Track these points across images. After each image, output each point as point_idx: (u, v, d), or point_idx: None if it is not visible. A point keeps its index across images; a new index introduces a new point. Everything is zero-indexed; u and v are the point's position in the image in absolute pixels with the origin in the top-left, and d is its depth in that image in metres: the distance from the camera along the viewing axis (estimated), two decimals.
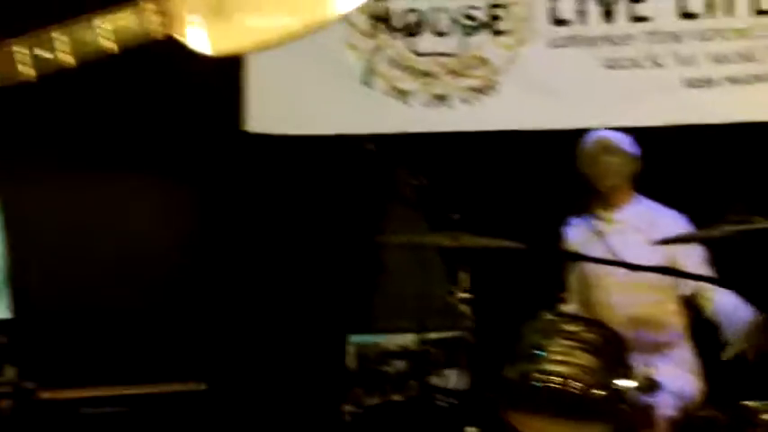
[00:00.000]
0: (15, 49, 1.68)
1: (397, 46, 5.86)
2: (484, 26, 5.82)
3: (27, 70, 1.68)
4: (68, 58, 1.67)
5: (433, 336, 5.28)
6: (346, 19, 5.78)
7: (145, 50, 1.69)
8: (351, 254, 5.79)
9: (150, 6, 1.64)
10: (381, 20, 5.74)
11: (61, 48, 1.67)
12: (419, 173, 5.21)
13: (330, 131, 5.67)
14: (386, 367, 5.55)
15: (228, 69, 5.50)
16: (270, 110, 5.70)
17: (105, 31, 1.66)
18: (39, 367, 5.02)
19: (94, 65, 1.70)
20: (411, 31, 5.83)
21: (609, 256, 4.63)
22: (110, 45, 1.66)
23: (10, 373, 5.06)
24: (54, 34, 1.67)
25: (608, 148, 4.99)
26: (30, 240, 5.19)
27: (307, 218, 5.75)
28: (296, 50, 5.40)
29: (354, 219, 5.84)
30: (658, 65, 5.61)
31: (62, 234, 5.49)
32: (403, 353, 5.52)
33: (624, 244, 4.69)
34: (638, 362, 4.27)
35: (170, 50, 1.74)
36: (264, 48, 1.63)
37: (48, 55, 1.68)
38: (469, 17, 5.82)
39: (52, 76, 1.70)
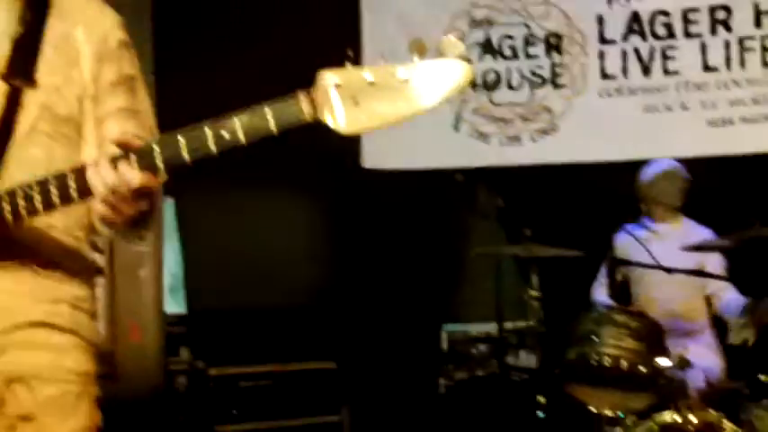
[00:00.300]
0: (206, 130, 1.80)
1: (480, 98, 5.90)
2: (547, 81, 5.89)
3: (212, 147, 1.80)
4: (242, 138, 1.79)
5: (510, 325, 5.25)
6: None
7: None
8: (446, 261, 5.85)
9: (303, 98, 1.77)
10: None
11: (238, 130, 1.79)
12: (498, 197, 5.23)
13: (429, 166, 5.76)
14: (472, 349, 5.58)
15: None
16: (381, 149, 5.78)
17: (271, 116, 1.78)
18: (208, 350, 5.22)
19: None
20: (490, 86, 5.90)
21: (651, 261, 4.64)
22: (273, 128, 1.79)
23: (185, 354, 5.27)
24: (234, 119, 1.79)
25: (668, 175, 5.04)
26: (199, 249, 5.42)
27: (413, 233, 5.80)
28: None
29: (448, 233, 5.92)
30: (686, 108, 5.62)
31: (224, 243, 5.56)
32: (485, 338, 5.54)
33: (664, 251, 4.66)
34: (673, 345, 4.29)
35: None
36: (384, 126, 1.76)
37: (227, 136, 1.80)
38: (536, 74, 5.90)
39: None
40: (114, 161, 1.82)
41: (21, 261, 2.01)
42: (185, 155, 1.80)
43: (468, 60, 1.78)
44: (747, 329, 4.21)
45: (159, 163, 1.81)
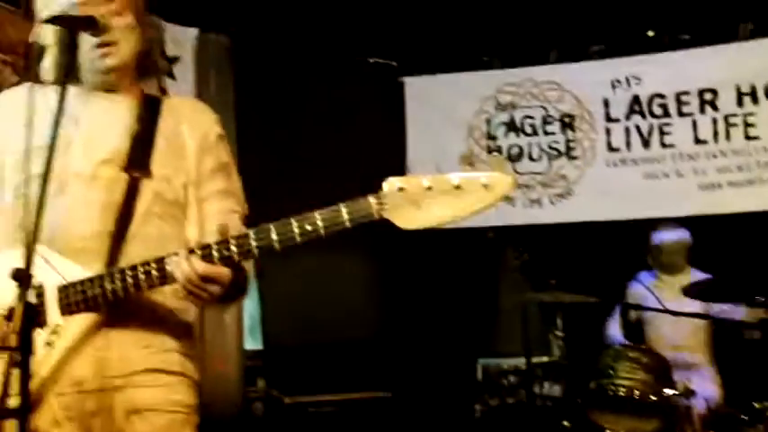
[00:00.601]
0: (293, 222, 1.82)
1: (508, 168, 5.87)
2: (563, 154, 5.88)
3: (296, 238, 1.81)
4: (321, 231, 1.80)
5: (537, 359, 5.21)
6: (473, 151, 5.95)
7: None
8: (481, 305, 5.76)
9: (373, 200, 1.77)
10: (496, 152, 5.85)
11: (319, 224, 1.80)
12: (524, 252, 5.31)
13: (464, 225, 5.68)
14: (503, 380, 5.51)
15: None
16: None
17: (346, 214, 1.79)
18: (281, 381, 5.16)
19: None
20: (514, 158, 5.88)
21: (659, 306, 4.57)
22: (348, 224, 1.79)
23: (261, 384, 5.23)
24: (316, 215, 1.80)
25: (675, 243, 4.99)
26: (274, 295, 5.39)
27: (454, 282, 5.75)
28: (443, 171, 5.58)
29: (483, 282, 5.83)
30: (681, 175, 5.58)
31: (296, 290, 5.49)
32: (515, 371, 5.48)
33: (672, 296, 4.58)
34: (678, 377, 4.25)
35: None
36: (439, 225, 1.78)
37: (309, 228, 1.81)
38: (553, 148, 5.89)
39: None
40: (189, 253, 1.85)
41: (138, 319, 2.02)
42: (276, 243, 1.83)
43: (510, 174, 1.80)
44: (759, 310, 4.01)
45: (254, 249, 1.84)
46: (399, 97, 6.03)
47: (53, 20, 1.95)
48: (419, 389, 5.48)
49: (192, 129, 2.17)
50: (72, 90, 2.05)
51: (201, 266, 1.83)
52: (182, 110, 2.21)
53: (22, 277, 1.68)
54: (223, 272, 1.86)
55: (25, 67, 4.52)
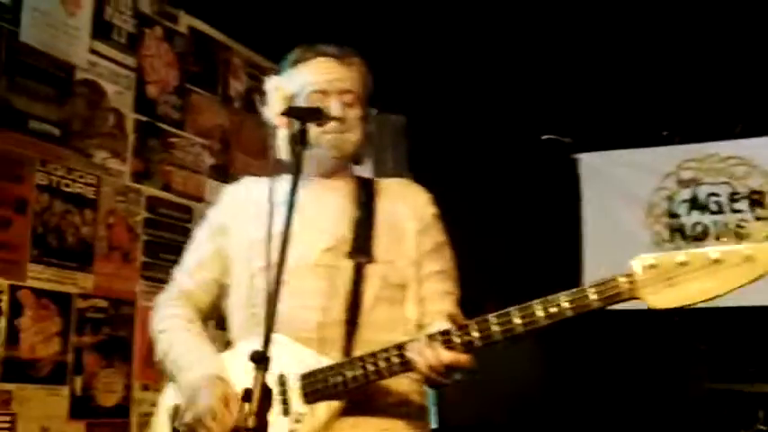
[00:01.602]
0: (537, 305, 1.81)
1: (689, 248, 5.68)
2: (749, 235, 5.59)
3: (540, 321, 1.81)
4: (567, 313, 1.79)
5: None
6: (653, 230, 5.82)
7: None
8: (664, 393, 5.50)
9: (623, 279, 1.74)
10: (678, 230, 5.74)
11: (564, 306, 1.79)
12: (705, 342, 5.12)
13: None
14: None
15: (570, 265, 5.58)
16: None
17: (595, 293, 1.76)
18: None
19: None
20: (698, 236, 5.73)
21: None
22: (596, 305, 1.76)
23: None
24: (561, 297, 1.79)
25: None
26: None
27: (632, 367, 5.56)
28: (621, 249, 5.49)
29: (665, 368, 5.57)
30: None
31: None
32: None
33: None
34: None
35: None
36: (694, 304, 1.70)
37: (554, 310, 1.79)
38: (739, 226, 5.67)
39: None
40: (430, 340, 1.88)
41: (375, 404, 2.06)
42: (520, 327, 1.83)
43: None
44: None
45: (497, 334, 1.86)
46: (574, 174, 5.99)
47: (285, 112, 2.09)
48: None
49: (409, 210, 2.23)
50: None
51: (446, 355, 1.86)
52: (396, 191, 2.29)
53: (260, 359, 1.76)
54: (465, 359, 1.88)
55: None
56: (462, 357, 1.87)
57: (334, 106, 2.17)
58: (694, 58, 5.23)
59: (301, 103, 2.20)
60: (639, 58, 5.30)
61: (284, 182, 2.20)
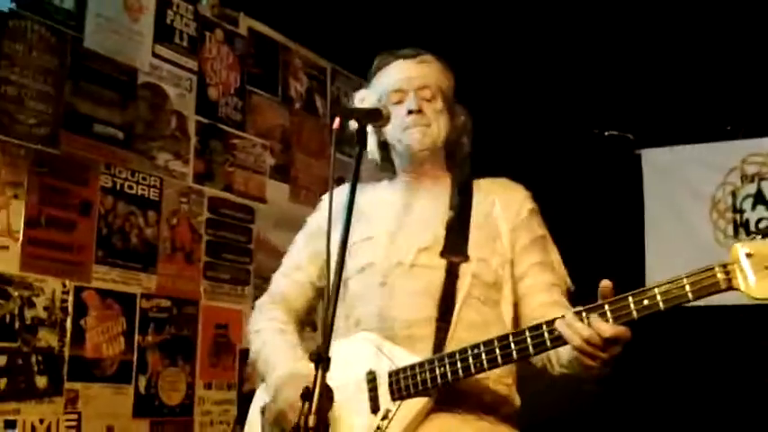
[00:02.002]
0: (630, 299, 1.76)
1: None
2: None
3: (633, 313, 1.75)
4: (661, 306, 1.72)
5: None
6: (717, 226, 5.71)
7: None
8: (736, 390, 5.38)
9: (719, 269, 1.69)
10: (743, 226, 5.62)
11: (658, 299, 1.73)
12: None
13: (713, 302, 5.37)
14: None
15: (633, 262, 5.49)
16: None
17: (688, 286, 1.70)
18: None
19: None
20: (764, 233, 5.59)
21: None
22: (691, 296, 1.69)
23: None
24: (654, 289, 1.74)
25: None
26: None
27: (701, 365, 5.44)
28: (684, 245, 5.41)
29: (736, 366, 5.43)
30: None
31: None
32: None
33: None
34: None
35: None
36: None
37: (647, 303, 1.74)
38: None
39: None
40: (580, 315, 1.80)
41: (466, 405, 2.04)
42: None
43: None
44: None
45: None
46: (637, 170, 5.91)
47: (344, 115, 2.10)
48: None
49: (504, 208, 2.21)
50: (386, 183, 2.31)
51: (606, 327, 1.76)
52: (492, 190, 2.27)
53: (319, 359, 1.77)
54: (624, 331, 1.78)
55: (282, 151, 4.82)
56: (622, 329, 1.77)
57: (409, 101, 2.22)
58: (756, 51, 5.12)
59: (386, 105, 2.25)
60: (702, 53, 5.20)
61: (378, 188, 2.33)
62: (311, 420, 1.71)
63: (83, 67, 3.83)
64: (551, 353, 1.96)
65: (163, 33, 4.28)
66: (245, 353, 3.15)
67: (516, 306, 2.17)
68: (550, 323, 1.85)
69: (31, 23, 3.61)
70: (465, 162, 2.36)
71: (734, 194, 5.75)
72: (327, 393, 1.76)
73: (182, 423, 4.07)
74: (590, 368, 1.84)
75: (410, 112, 2.19)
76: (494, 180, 2.33)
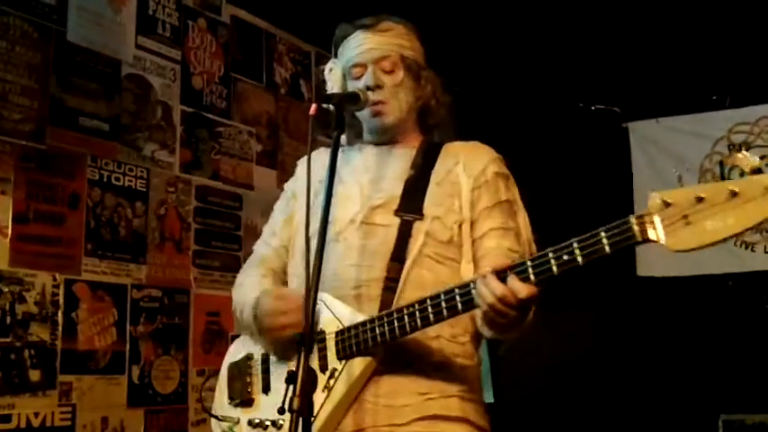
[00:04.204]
0: (551, 254, 1.71)
1: None
2: None
3: (553, 268, 1.71)
4: (581, 260, 1.67)
5: None
6: None
7: None
8: (722, 358, 5.31)
9: (635, 221, 1.60)
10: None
11: (577, 253, 1.67)
12: None
13: (698, 273, 5.35)
14: None
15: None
16: (654, 259, 5.55)
17: (607, 240, 1.64)
18: None
19: None
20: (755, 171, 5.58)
21: None
22: (608, 249, 1.63)
23: None
24: (575, 244, 1.68)
25: None
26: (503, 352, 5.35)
27: (688, 333, 5.48)
28: None
29: (721, 334, 5.38)
30: None
31: (522, 346, 5.48)
32: (759, 426, 5.21)
33: None
34: None
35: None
36: (713, 243, 1.53)
37: (567, 258, 1.69)
38: None
39: None
40: (499, 274, 1.77)
41: (416, 367, 2.02)
42: (531, 276, 1.75)
43: None
44: None
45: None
46: (625, 143, 5.92)
47: (323, 100, 2.11)
48: None
49: (467, 167, 2.16)
50: (358, 147, 2.30)
51: (522, 287, 1.74)
52: (459, 151, 2.22)
53: (304, 341, 1.78)
54: (536, 291, 1.76)
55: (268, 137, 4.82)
56: (534, 290, 1.75)
57: (366, 76, 2.20)
58: (740, 21, 5.11)
59: (348, 79, 2.25)
60: (686, 25, 5.19)
61: (352, 152, 2.32)
62: (296, 403, 1.72)
63: (67, 61, 3.83)
64: (478, 312, 1.91)
65: (145, 24, 4.28)
66: None
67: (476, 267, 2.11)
68: (465, 285, 1.85)
69: (13, 19, 3.61)
70: (444, 124, 2.32)
71: (722, 164, 5.76)
72: (311, 376, 1.78)
73: (177, 411, 4.10)
74: (496, 326, 1.87)
75: (368, 88, 2.17)
76: (465, 143, 2.28)
